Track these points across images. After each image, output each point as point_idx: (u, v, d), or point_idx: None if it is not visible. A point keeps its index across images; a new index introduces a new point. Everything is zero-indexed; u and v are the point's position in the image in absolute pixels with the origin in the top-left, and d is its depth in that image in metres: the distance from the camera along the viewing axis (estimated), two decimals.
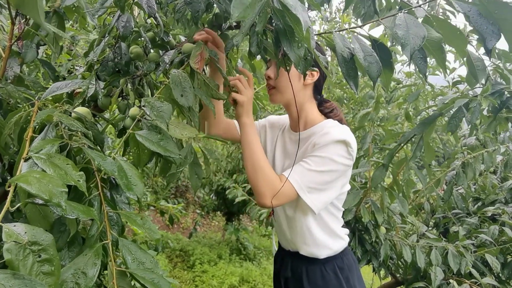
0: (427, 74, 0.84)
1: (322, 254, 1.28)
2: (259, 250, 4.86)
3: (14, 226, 0.59)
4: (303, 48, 0.74)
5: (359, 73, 0.96)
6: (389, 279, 2.33)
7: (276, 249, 1.50)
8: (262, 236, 5.43)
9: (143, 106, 0.84)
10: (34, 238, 0.58)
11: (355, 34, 0.91)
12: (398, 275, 2.19)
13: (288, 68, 1.18)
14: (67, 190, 0.61)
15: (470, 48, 1.35)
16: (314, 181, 1.13)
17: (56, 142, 0.76)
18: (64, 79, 1.51)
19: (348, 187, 1.32)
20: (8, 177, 1.19)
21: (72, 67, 1.97)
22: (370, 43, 0.94)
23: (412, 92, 2.39)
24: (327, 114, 1.32)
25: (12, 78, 1.28)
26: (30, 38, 1.30)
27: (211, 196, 5.04)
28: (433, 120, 1.56)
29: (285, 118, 1.47)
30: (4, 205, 0.65)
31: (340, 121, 1.30)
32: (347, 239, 1.36)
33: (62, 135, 0.83)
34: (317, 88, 1.31)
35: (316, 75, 1.26)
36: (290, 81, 1.18)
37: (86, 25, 1.95)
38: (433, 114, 1.54)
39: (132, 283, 0.71)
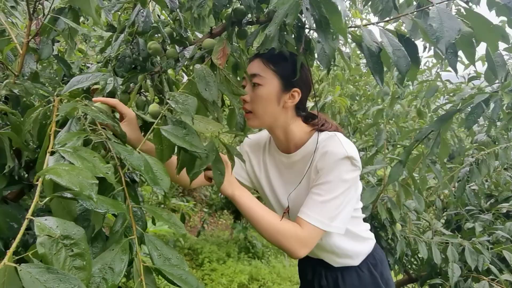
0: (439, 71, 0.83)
1: (356, 261, 1.27)
2: (267, 249, 4.85)
3: (46, 220, 0.58)
4: (337, 40, 0.73)
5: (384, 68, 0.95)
6: (401, 276, 2.31)
7: None
8: None
9: (168, 99, 0.84)
10: (66, 232, 0.57)
11: (382, 28, 0.90)
12: (411, 272, 2.17)
13: (310, 63, 1.16)
14: (97, 182, 0.61)
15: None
16: (332, 209, 1.08)
17: (82, 135, 0.76)
18: None
19: (361, 185, 1.29)
20: (25, 175, 1.19)
21: (83, 65, 1.97)
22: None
23: (424, 89, 2.37)
24: (319, 129, 1.20)
25: (29, 75, 1.27)
26: (46, 34, 1.29)
27: (219, 194, 5.04)
28: (450, 117, 1.54)
29: (264, 135, 1.38)
30: (26, 201, 0.65)
31: (336, 130, 1.21)
32: (373, 236, 1.35)
33: (85, 129, 0.82)
34: (300, 104, 1.19)
35: (297, 97, 1.15)
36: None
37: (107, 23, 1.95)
38: (450, 110, 1.53)
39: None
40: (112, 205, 0.65)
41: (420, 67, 2.99)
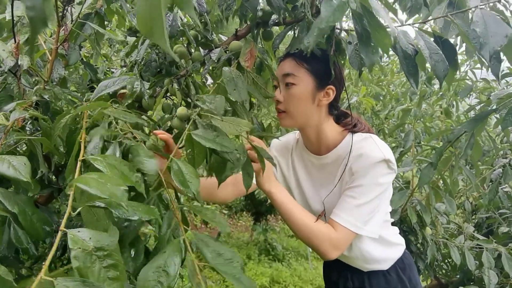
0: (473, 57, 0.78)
1: (385, 266, 1.25)
2: (287, 251, 4.81)
3: (79, 232, 0.58)
4: (377, 53, 0.70)
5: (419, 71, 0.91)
6: (430, 281, 2.24)
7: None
8: (289, 236, 5.38)
9: (196, 100, 0.82)
10: (99, 244, 0.57)
11: (419, 30, 0.86)
12: (441, 277, 2.10)
13: (342, 63, 1.12)
14: (127, 189, 0.59)
15: None
16: (366, 212, 1.06)
17: (115, 143, 0.75)
18: None
19: (391, 188, 1.25)
20: (54, 179, 1.20)
21: (108, 70, 1.99)
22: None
23: (452, 87, 2.30)
24: (352, 129, 1.18)
25: (57, 80, 1.29)
26: (73, 40, 1.30)
27: None
28: (485, 117, 1.47)
29: (291, 137, 1.36)
30: (54, 204, 0.64)
31: (368, 131, 1.19)
32: (403, 240, 1.31)
33: (116, 135, 0.82)
34: (333, 103, 1.17)
35: (332, 94, 1.13)
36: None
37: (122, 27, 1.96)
38: (485, 110, 1.46)
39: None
40: (145, 212, 0.64)
41: None
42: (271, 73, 1.06)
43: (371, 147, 1.08)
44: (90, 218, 0.74)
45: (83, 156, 0.74)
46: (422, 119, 2.19)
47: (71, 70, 1.73)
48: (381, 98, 2.46)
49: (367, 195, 1.05)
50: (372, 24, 0.62)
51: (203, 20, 1.17)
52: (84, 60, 1.56)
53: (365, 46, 0.69)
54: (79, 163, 0.73)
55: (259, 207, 4.57)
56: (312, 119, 1.15)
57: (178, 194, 0.93)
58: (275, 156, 1.36)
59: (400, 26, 0.86)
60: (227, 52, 1.10)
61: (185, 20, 1.56)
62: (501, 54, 0.76)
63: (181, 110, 1.10)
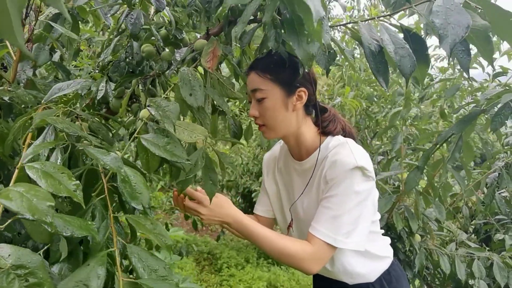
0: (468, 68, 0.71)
1: (372, 278, 1.18)
2: None
3: None
4: (313, 44, 0.64)
5: (389, 68, 0.85)
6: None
7: None
8: None
9: (148, 106, 0.77)
10: (19, 261, 0.53)
11: (384, 23, 0.80)
12: (434, 286, 2.02)
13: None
14: (53, 205, 0.55)
15: None
16: (346, 223, 1.00)
17: (51, 145, 0.71)
18: None
19: (377, 194, 1.18)
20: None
21: (92, 70, 1.95)
22: (402, 34, 0.82)
23: (448, 88, 2.22)
24: (324, 130, 1.14)
25: (25, 82, 1.25)
26: (42, 40, 1.27)
27: (237, 199, 4.99)
28: (474, 118, 1.41)
29: (276, 147, 1.33)
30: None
31: (343, 131, 1.15)
32: (391, 252, 1.25)
33: (64, 136, 0.77)
34: (308, 102, 1.12)
35: (304, 96, 1.08)
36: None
37: (107, 27, 1.92)
38: (474, 111, 1.39)
39: None
40: (78, 227, 0.60)
41: (444, 64, 2.82)
42: (236, 73, 1.00)
43: (345, 154, 1.03)
44: (35, 229, 0.70)
45: (21, 163, 0.69)
46: (415, 122, 2.12)
47: (50, 72, 1.70)
48: (375, 99, 2.39)
49: (344, 205, 1.00)
50: (301, 7, 0.55)
51: (170, 19, 1.13)
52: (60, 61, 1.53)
53: (296, 35, 0.63)
54: (16, 171, 0.69)
55: None
56: (291, 126, 1.12)
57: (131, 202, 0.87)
58: (263, 173, 1.33)
59: (363, 20, 0.80)
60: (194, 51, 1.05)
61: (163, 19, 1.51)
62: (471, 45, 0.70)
63: (144, 113, 1.05)
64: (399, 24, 0.78)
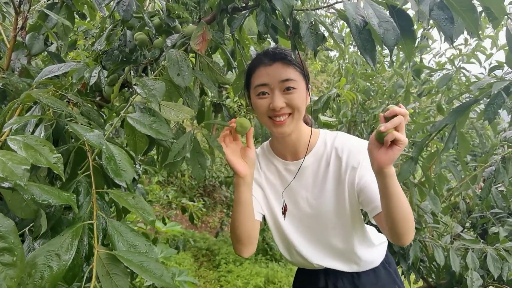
0: (454, 39, 0.71)
1: (377, 262, 1.24)
2: None
3: None
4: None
5: (377, 46, 0.85)
6: (420, 283, 2.16)
7: None
8: None
9: (135, 85, 0.78)
10: None
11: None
12: (430, 280, 2.02)
13: (298, 47, 1.08)
14: (28, 168, 0.55)
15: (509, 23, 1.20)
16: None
17: (35, 118, 0.71)
18: None
19: None
20: None
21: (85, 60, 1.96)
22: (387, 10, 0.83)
23: (455, 82, 2.21)
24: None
25: (20, 70, 1.26)
26: (37, 30, 1.27)
27: None
28: (467, 108, 1.41)
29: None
30: None
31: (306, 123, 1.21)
32: (384, 237, 1.31)
33: (50, 114, 0.78)
34: None
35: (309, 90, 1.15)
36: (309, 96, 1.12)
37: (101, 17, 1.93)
38: (467, 101, 1.39)
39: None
40: (55, 196, 0.60)
41: (441, 59, 2.82)
42: (229, 62, 1.01)
43: (348, 138, 1.13)
44: (16, 204, 0.70)
45: (3, 136, 0.70)
46: (413, 117, 2.12)
47: (46, 62, 1.71)
48: (372, 94, 2.39)
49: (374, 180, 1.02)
50: None
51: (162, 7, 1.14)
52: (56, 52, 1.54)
53: None
54: None
55: None
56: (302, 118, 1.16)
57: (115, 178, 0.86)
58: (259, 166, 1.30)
59: None
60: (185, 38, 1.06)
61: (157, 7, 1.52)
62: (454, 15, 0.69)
63: (138, 98, 1.06)
64: (384, 1, 0.78)
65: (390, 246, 1.74)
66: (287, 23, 0.95)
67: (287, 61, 1.07)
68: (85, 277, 0.60)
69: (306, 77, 1.10)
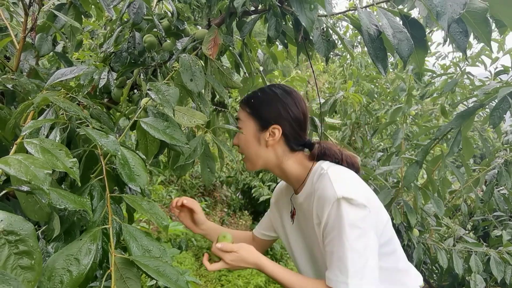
0: (467, 53, 0.72)
1: None
2: (285, 251, 4.76)
3: None
4: (316, 10, 0.65)
5: (388, 55, 0.85)
6: (422, 285, 2.17)
7: None
8: None
9: (149, 90, 0.78)
10: (11, 227, 0.52)
11: (382, 9, 0.81)
12: (432, 281, 2.03)
13: (310, 53, 1.08)
14: (51, 172, 0.55)
15: None
16: (353, 261, 0.89)
17: (51, 121, 0.72)
18: None
19: (386, 214, 1.05)
20: None
21: (94, 62, 1.96)
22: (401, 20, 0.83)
23: (460, 86, 2.22)
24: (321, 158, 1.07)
25: (28, 71, 1.26)
26: (46, 30, 1.28)
27: (237, 195, 5.00)
28: (472, 113, 1.41)
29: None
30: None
31: (339, 161, 1.05)
32: (419, 277, 1.16)
33: (64, 117, 0.78)
34: (292, 138, 1.06)
35: (278, 133, 1.03)
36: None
37: (110, 21, 1.94)
38: (472, 106, 1.40)
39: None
40: (73, 201, 0.61)
41: (445, 62, 2.82)
42: (237, 63, 1.02)
43: (324, 187, 0.95)
44: (30, 206, 0.71)
45: (20, 139, 0.71)
46: (416, 120, 2.12)
47: (52, 62, 1.72)
48: (376, 96, 2.39)
49: (344, 243, 0.90)
50: None
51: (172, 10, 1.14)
52: (64, 51, 1.54)
53: (299, 2, 0.64)
54: (14, 146, 0.70)
55: (257, 206, 4.53)
56: (269, 160, 1.08)
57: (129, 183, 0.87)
58: (272, 203, 1.29)
59: (363, 7, 0.81)
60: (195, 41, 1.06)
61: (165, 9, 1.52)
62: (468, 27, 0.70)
63: (146, 101, 1.06)
64: (397, 11, 0.78)
65: None
66: (298, 29, 0.96)
67: (242, 103, 1.10)
68: (102, 282, 0.61)
69: (260, 118, 1.04)
